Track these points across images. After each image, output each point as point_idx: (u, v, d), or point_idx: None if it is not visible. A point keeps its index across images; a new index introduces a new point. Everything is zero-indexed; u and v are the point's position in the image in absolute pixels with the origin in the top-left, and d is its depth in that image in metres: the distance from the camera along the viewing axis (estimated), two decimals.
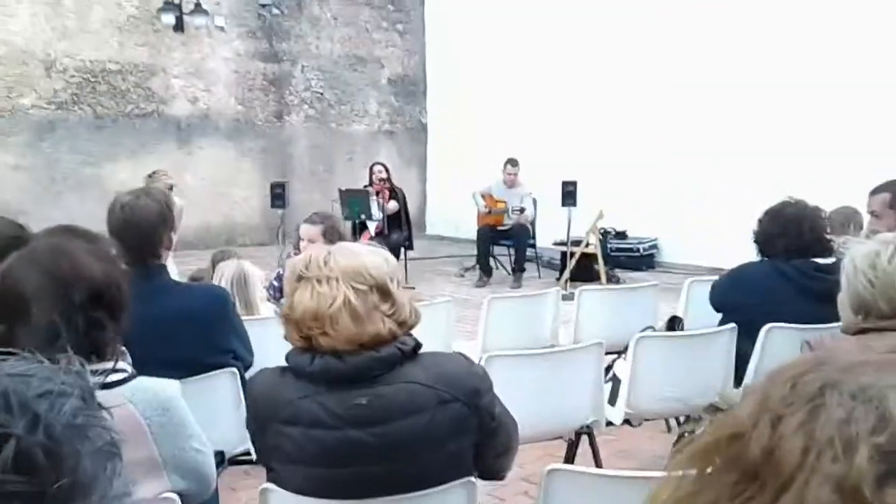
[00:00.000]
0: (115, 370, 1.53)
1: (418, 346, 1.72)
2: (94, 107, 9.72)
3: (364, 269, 1.63)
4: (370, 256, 1.69)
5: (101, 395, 1.51)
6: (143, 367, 1.66)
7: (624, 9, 9.21)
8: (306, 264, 1.65)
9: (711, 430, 0.61)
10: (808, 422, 0.55)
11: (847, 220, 4.11)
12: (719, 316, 3.27)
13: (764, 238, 3.12)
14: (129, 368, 1.59)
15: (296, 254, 4.15)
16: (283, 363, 1.70)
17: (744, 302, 3.14)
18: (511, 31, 10.52)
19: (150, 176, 6.71)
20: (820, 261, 2.98)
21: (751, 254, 3.28)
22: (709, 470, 0.59)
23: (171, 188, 5.90)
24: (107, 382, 1.48)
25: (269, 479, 1.77)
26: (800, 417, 0.55)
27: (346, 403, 1.62)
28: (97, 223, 2.40)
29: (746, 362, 3.05)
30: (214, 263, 3.52)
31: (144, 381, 1.60)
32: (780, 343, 2.91)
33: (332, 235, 4.03)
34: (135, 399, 1.52)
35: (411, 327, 1.72)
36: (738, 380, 3.11)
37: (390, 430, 1.62)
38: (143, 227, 2.29)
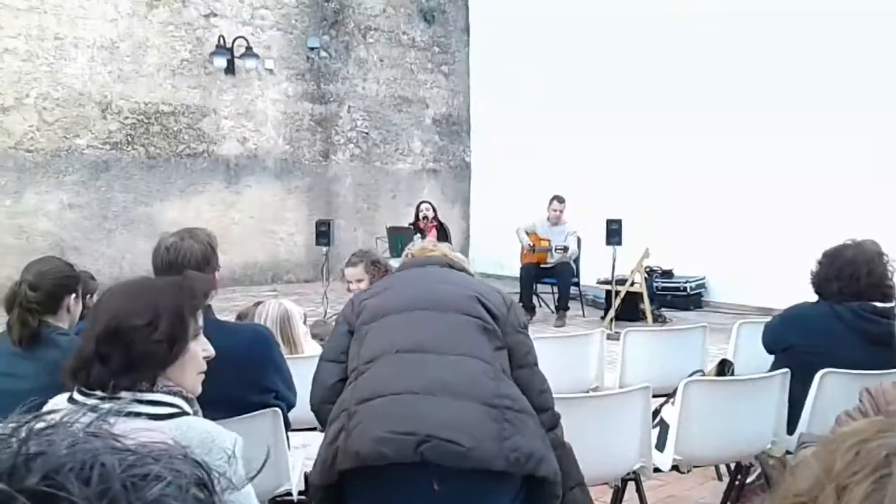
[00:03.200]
0: (164, 403, 1.55)
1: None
2: (147, 147, 9.99)
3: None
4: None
5: (143, 423, 1.51)
6: None
7: (664, 49, 9.19)
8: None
9: (775, 499, 0.58)
10: (874, 493, 0.52)
11: None
12: (770, 359, 3.17)
13: (819, 280, 3.03)
14: (185, 406, 1.60)
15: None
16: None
17: (797, 343, 3.04)
18: (554, 71, 10.57)
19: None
20: (878, 304, 2.88)
21: (802, 294, 3.19)
22: None
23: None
24: (153, 413, 1.53)
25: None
26: (866, 488, 0.52)
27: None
28: (146, 259, 2.45)
29: (800, 407, 2.95)
30: (241, 317, 3.53)
31: (194, 420, 1.60)
32: (835, 388, 2.80)
33: (373, 268, 4.09)
34: (179, 432, 1.51)
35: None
36: (791, 426, 3.00)
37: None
38: (188, 269, 2.32)
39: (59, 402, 1.61)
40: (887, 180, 7.32)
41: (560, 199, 8.44)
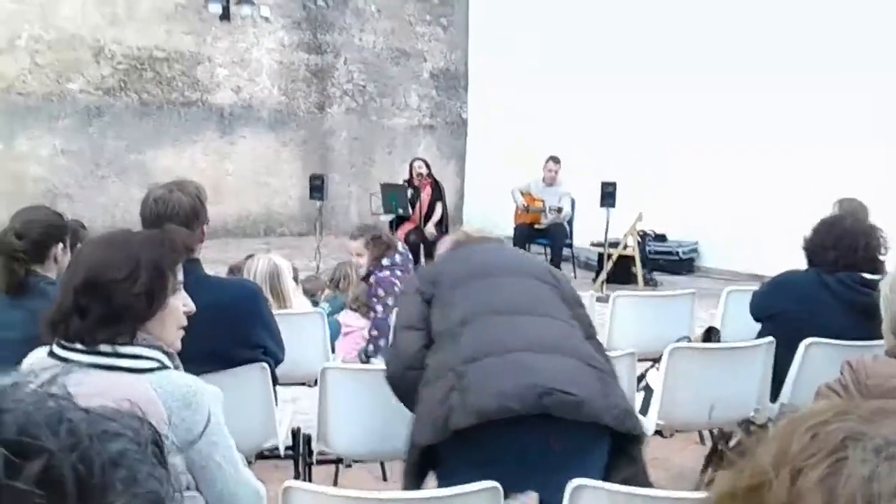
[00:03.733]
0: (144, 357, 1.56)
1: None
2: (140, 94, 9.87)
3: None
4: None
5: (125, 378, 1.51)
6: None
7: (659, 9, 9.06)
8: None
9: (731, 476, 0.58)
10: (829, 477, 0.52)
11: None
12: (758, 327, 3.19)
13: (814, 247, 3.03)
14: (165, 360, 1.60)
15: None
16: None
17: (783, 309, 3.06)
18: (554, 29, 10.42)
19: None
20: (867, 276, 2.89)
21: (794, 260, 3.20)
22: None
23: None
24: (134, 368, 1.53)
25: None
26: (820, 472, 0.52)
27: None
28: (138, 208, 2.42)
29: (784, 375, 2.98)
30: (233, 271, 3.54)
31: (174, 374, 1.61)
32: (819, 358, 2.83)
33: (375, 245, 4.12)
34: (160, 387, 1.54)
35: None
36: (775, 394, 3.03)
37: None
38: (175, 222, 2.30)
39: (39, 355, 1.61)
40: (884, 141, 7.28)
41: (556, 160, 8.41)
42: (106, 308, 1.52)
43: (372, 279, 4.18)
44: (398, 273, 4.13)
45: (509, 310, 2.20)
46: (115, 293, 1.52)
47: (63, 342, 1.54)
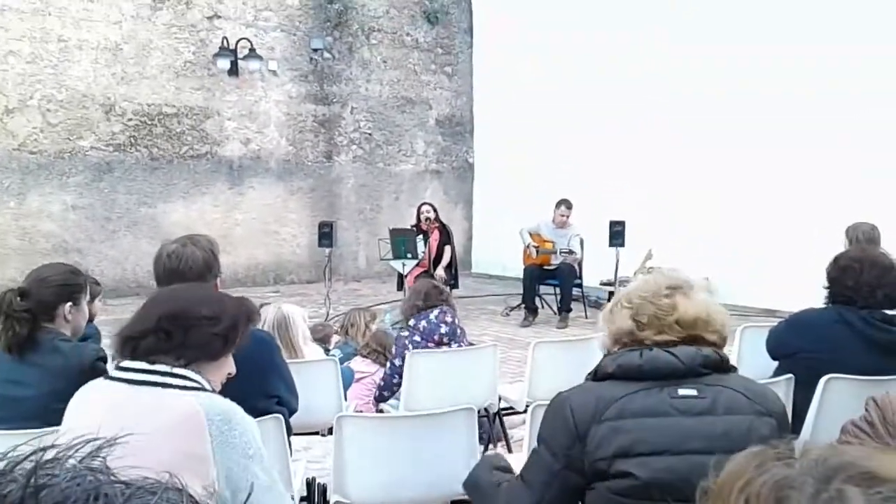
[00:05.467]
0: (193, 380, 1.69)
1: (731, 364, 1.85)
2: (151, 148, 10.00)
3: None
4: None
5: (173, 392, 1.58)
6: None
7: (666, 53, 9.17)
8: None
9: None
10: None
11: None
12: (774, 365, 3.15)
13: (835, 286, 2.98)
14: (209, 386, 1.73)
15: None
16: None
17: (802, 348, 3.01)
18: (558, 73, 10.56)
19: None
20: (888, 312, 2.85)
21: (805, 295, 3.17)
22: None
23: None
24: (183, 385, 1.65)
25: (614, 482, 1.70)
26: None
27: (675, 394, 1.73)
28: (149, 260, 2.45)
29: (804, 413, 2.93)
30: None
31: (217, 398, 1.72)
32: (840, 395, 2.78)
33: (434, 288, 4.19)
34: (202, 404, 1.65)
35: (721, 346, 1.84)
36: (795, 434, 2.98)
37: (718, 422, 1.71)
38: (188, 276, 2.32)
39: (97, 384, 1.73)
40: (889, 180, 7.29)
41: (568, 205, 8.37)
42: (183, 338, 1.69)
43: (406, 327, 4.16)
44: (416, 339, 4.07)
45: None
46: (195, 327, 1.71)
47: (121, 365, 1.69)
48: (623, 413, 1.69)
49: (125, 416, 1.46)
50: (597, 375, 1.80)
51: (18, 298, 2.43)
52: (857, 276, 2.90)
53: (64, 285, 2.55)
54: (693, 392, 1.72)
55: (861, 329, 2.86)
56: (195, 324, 1.71)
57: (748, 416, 1.72)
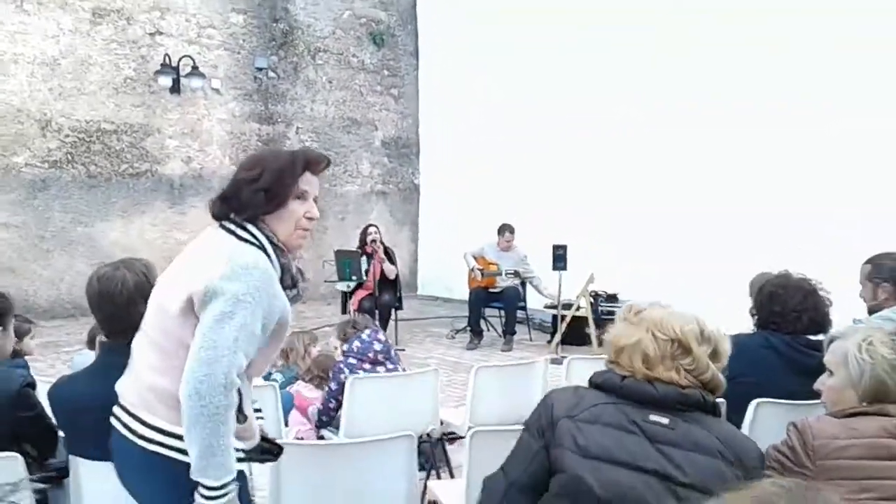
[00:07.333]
0: (253, 235, 1.99)
1: (717, 409, 1.90)
2: (88, 166, 9.76)
3: (669, 324, 1.89)
4: (680, 316, 1.94)
5: (225, 235, 2.00)
6: None
7: (605, 76, 9.38)
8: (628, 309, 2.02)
9: None
10: None
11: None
12: None
13: (761, 312, 3.08)
14: (269, 248, 1.98)
15: None
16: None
17: (733, 373, 3.08)
18: (503, 96, 10.70)
19: None
20: (811, 337, 2.95)
21: (742, 318, 3.25)
22: None
23: None
24: (241, 237, 1.98)
25: (554, 464, 1.82)
26: None
27: (646, 417, 1.82)
28: (85, 280, 2.38)
29: None
30: None
31: (255, 252, 1.95)
32: (770, 419, 2.86)
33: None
34: (236, 250, 1.94)
35: (712, 390, 1.90)
36: None
37: (678, 454, 1.77)
38: (118, 300, 2.27)
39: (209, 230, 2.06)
40: (829, 205, 7.53)
41: (511, 230, 8.47)
42: (237, 199, 1.97)
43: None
44: (351, 361, 4.06)
45: None
46: (242, 189, 1.97)
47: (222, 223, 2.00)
48: (594, 419, 1.83)
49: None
50: (590, 383, 1.95)
51: None
52: (783, 301, 3.00)
53: None
54: (665, 420, 1.81)
55: (787, 354, 2.96)
56: (241, 186, 1.97)
57: (715, 459, 1.77)
